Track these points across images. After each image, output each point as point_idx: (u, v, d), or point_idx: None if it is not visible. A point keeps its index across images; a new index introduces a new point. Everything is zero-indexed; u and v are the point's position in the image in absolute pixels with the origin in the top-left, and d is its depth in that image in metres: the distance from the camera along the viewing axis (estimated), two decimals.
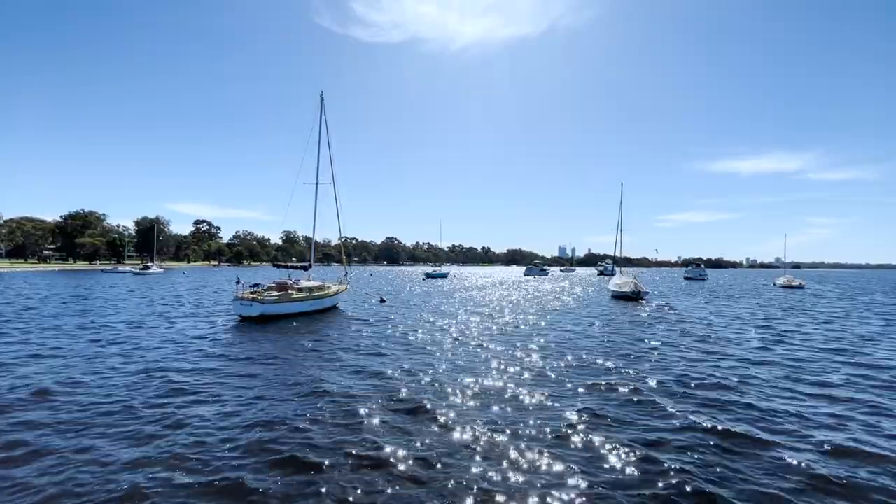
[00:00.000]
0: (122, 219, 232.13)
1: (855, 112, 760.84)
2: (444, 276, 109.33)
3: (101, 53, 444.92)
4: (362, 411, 10.79)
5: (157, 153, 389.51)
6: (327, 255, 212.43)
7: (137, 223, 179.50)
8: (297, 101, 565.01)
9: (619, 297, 47.50)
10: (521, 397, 12.12)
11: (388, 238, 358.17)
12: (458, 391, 12.56)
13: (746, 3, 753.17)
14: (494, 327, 25.63)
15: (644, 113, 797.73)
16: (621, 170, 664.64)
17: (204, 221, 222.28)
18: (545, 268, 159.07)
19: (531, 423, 10.17)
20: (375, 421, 10.16)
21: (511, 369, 15.32)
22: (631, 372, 15.08)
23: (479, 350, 18.81)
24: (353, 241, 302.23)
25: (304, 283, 31.72)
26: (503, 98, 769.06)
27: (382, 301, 40.95)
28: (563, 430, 9.70)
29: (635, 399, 11.99)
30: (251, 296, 27.68)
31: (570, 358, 17.23)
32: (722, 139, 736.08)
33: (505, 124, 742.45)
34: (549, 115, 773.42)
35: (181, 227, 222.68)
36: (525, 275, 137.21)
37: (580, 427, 9.87)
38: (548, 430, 9.71)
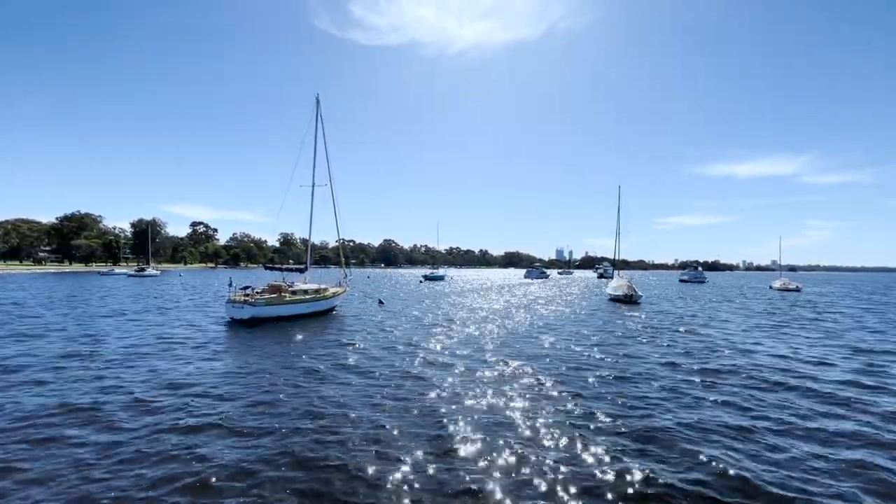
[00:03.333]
0: (119, 220, 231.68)
1: (852, 114, 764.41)
2: (440, 278, 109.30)
3: (97, 53, 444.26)
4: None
5: (153, 154, 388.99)
6: (325, 257, 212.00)
7: (134, 225, 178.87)
8: (296, 103, 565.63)
9: (615, 299, 48.04)
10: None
11: (385, 240, 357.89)
12: (451, 404, 12.44)
13: (745, 7, 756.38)
14: (500, 334, 25.52)
15: (642, 115, 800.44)
16: (620, 171, 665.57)
17: (201, 223, 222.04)
18: (545, 270, 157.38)
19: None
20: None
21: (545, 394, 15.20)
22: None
23: (484, 363, 18.68)
24: (351, 244, 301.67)
25: (300, 286, 31.56)
26: (502, 101, 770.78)
27: (381, 303, 40.84)
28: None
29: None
30: (243, 298, 27.58)
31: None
32: (718, 142, 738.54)
33: (503, 126, 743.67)
34: (548, 117, 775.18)
35: (178, 229, 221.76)
36: (525, 277, 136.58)
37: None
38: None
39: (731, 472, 8.13)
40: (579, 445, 9.23)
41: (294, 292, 30.13)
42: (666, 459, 8.60)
